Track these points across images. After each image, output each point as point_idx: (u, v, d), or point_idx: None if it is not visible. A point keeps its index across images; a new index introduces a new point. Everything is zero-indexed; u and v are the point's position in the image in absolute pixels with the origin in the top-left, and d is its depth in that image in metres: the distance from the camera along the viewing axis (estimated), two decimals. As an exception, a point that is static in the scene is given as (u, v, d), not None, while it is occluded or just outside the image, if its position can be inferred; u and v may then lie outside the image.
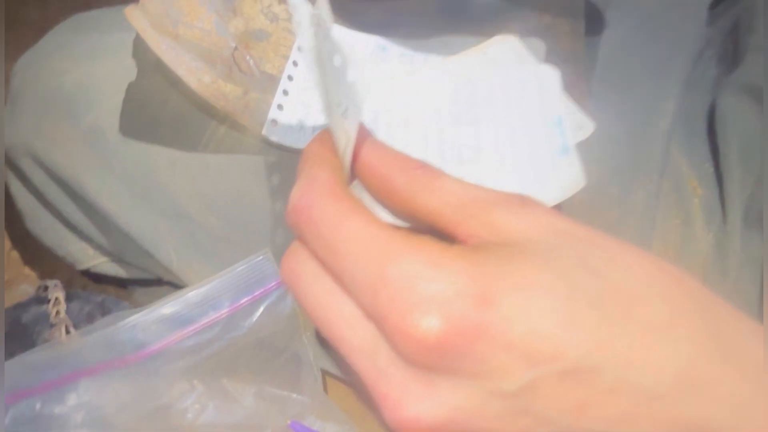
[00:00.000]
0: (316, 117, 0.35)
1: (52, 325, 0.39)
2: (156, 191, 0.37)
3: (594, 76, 0.36)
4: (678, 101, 0.36)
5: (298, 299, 0.21)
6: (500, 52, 0.36)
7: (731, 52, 0.38)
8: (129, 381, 0.35)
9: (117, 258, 0.43)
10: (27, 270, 0.51)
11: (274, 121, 0.35)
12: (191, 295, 0.35)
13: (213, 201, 0.36)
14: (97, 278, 0.47)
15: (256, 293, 0.36)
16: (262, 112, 0.35)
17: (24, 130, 0.39)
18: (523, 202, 0.20)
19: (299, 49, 0.37)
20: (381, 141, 0.21)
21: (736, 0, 0.41)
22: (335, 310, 0.20)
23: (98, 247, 0.43)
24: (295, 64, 0.36)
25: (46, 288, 0.43)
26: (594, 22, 0.37)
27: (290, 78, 0.36)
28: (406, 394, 0.18)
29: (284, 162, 0.36)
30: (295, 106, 0.35)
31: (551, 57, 0.33)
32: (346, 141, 0.20)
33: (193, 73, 0.32)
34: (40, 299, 0.42)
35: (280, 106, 0.35)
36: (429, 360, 0.18)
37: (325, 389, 0.38)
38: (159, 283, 0.44)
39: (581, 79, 0.34)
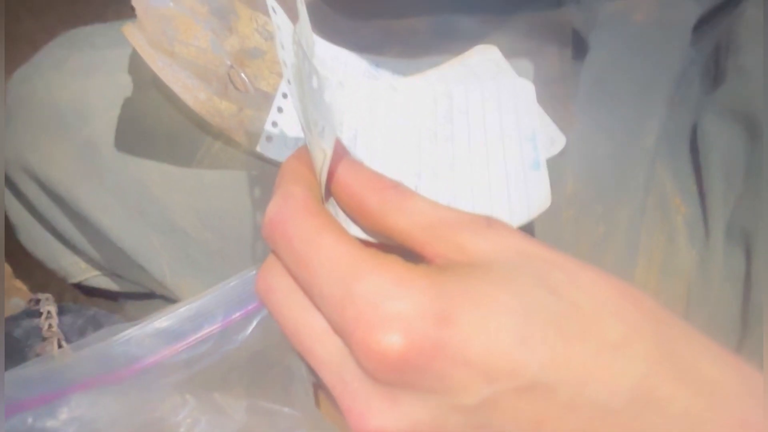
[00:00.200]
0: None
1: (44, 339, 0.39)
2: (150, 206, 0.37)
3: (580, 95, 0.37)
4: (662, 120, 0.37)
5: (271, 313, 0.22)
6: (481, 62, 0.37)
7: (713, 72, 0.40)
8: (121, 395, 0.35)
9: (109, 272, 0.43)
10: (18, 283, 0.51)
11: (268, 138, 0.35)
12: (184, 309, 0.35)
13: (206, 216, 0.36)
14: (89, 291, 0.47)
15: (249, 307, 0.36)
16: (257, 129, 0.35)
17: (19, 144, 0.40)
18: (489, 223, 0.20)
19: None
20: (356, 160, 0.22)
21: (718, 21, 0.42)
22: (306, 324, 0.20)
23: (90, 261, 0.43)
24: (289, 82, 0.37)
25: (37, 301, 0.43)
26: (579, 48, 0.38)
27: (285, 95, 0.36)
28: (369, 407, 0.19)
29: (266, 175, 0.36)
30: (290, 123, 0.36)
31: (538, 78, 0.33)
32: (322, 159, 0.21)
33: (189, 91, 0.33)
34: (32, 313, 0.42)
35: (274, 123, 0.36)
36: (391, 375, 0.18)
37: (317, 403, 0.39)
38: (150, 296, 0.44)
39: (568, 99, 0.35)
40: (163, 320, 0.35)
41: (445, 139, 0.33)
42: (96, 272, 0.44)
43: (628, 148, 0.36)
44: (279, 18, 0.22)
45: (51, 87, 0.39)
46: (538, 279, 0.19)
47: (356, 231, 0.22)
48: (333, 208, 0.22)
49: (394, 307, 0.18)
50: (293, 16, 0.22)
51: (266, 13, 0.37)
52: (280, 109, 0.36)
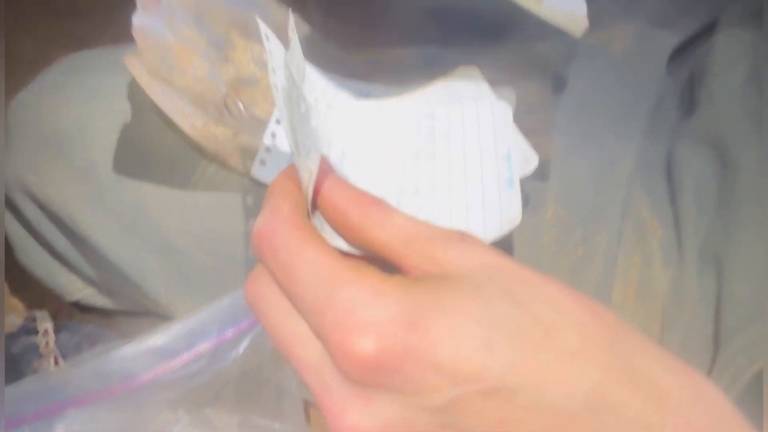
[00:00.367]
0: None
1: (41, 356, 0.40)
2: (146, 227, 0.38)
3: (560, 124, 0.38)
4: (639, 148, 0.38)
5: (259, 319, 0.23)
6: (463, 83, 0.38)
7: (688, 101, 0.41)
8: (117, 411, 0.36)
9: (105, 290, 0.44)
10: (14, 301, 0.52)
11: (262, 162, 0.37)
12: (179, 327, 0.36)
13: (202, 237, 0.38)
14: (84, 308, 0.48)
15: (242, 325, 0.37)
16: (251, 154, 0.37)
17: (19, 166, 0.41)
18: (462, 238, 0.22)
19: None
20: (341, 178, 0.24)
21: (692, 51, 0.44)
22: (290, 330, 0.22)
23: (87, 279, 0.44)
24: (279, 104, 0.38)
25: (34, 319, 0.44)
26: (559, 78, 0.40)
27: (278, 122, 0.38)
28: (345, 406, 0.21)
29: (260, 198, 0.38)
30: (282, 148, 0.38)
31: (520, 108, 0.35)
32: (308, 177, 0.22)
33: (187, 118, 0.34)
34: (29, 330, 0.43)
35: (267, 148, 0.37)
36: (365, 377, 0.20)
37: (308, 419, 0.40)
38: (144, 314, 0.45)
39: (548, 128, 0.36)
40: (158, 338, 0.36)
41: (427, 158, 0.35)
42: (92, 290, 0.45)
43: (606, 175, 0.38)
44: (272, 44, 0.24)
45: (51, 111, 0.40)
46: (504, 291, 0.21)
47: (340, 243, 0.24)
48: (319, 222, 0.24)
49: (368, 314, 0.20)
50: (286, 43, 0.23)
51: (261, 43, 0.39)
52: (273, 135, 0.38)
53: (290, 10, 0.24)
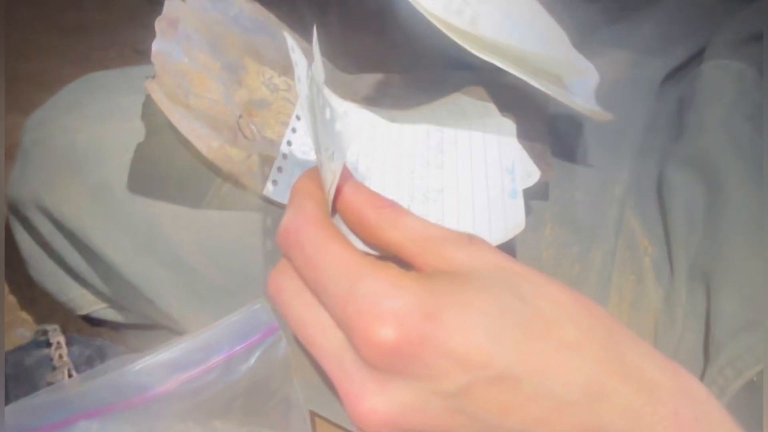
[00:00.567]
0: None
1: (54, 368, 0.41)
2: (159, 243, 0.40)
3: (557, 149, 0.40)
4: (631, 170, 0.40)
5: (280, 310, 0.25)
6: (469, 102, 0.40)
7: (677, 126, 0.43)
8: (131, 423, 0.37)
9: (117, 304, 0.46)
10: (24, 314, 0.53)
11: (274, 182, 0.38)
12: (192, 341, 0.37)
13: (214, 253, 0.39)
14: (94, 322, 0.49)
15: (253, 339, 0.39)
16: (264, 174, 0.38)
17: (34, 183, 0.42)
18: (471, 240, 0.24)
19: (297, 118, 0.41)
20: (359, 182, 0.26)
21: (681, 78, 0.46)
22: (312, 319, 0.24)
23: (98, 294, 0.45)
24: (293, 130, 0.40)
25: (44, 332, 0.45)
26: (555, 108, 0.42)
27: (289, 143, 0.40)
28: (364, 390, 0.22)
29: (272, 216, 0.39)
30: (293, 169, 0.39)
31: (520, 130, 0.37)
32: (331, 179, 0.24)
33: (203, 140, 0.36)
34: (40, 343, 0.44)
35: (279, 169, 0.39)
36: (384, 363, 0.22)
37: (314, 431, 0.41)
38: (153, 328, 0.46)
39: (546, 152, 0.38)
40: (172, 351, 0.37)
41: (436, 167, 0.37)
42: (103, 305, 0.46)
43: (600, 196, 0.39)
44: (296, 55, 0.26)
45: (67, 131, 0.42)
46: (509, 288, 0.23)
47: (357, 243, 0.26)
48: (338, 222, 0.26)
49: (389, 304, 0.21)
50: (309, 57, 0.25)
51: (272, 67, 0.41)
52: (284, 156, 0.39)
53: (314, 26, 0.26)
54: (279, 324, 0.38)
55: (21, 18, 0.73)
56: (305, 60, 0.26)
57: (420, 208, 0.28)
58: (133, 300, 0.42)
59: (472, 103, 0.40)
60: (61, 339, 0.42)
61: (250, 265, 0.39)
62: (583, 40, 0.47)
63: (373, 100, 0.42)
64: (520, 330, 0.22)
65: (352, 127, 0.26)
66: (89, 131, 0.41)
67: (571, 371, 0.22)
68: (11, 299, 0.53)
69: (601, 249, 0.39)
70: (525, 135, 0.37)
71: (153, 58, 0.35)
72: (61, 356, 0.41)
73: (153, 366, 0.37)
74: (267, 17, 0.41)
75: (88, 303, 0.46)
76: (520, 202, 0.34)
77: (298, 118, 0.40)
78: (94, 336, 0.47)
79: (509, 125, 0.37)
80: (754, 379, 0.33)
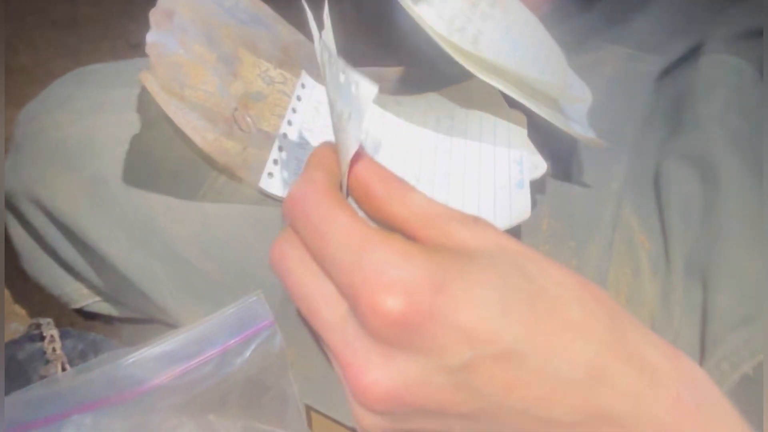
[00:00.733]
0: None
1: (47, 362, 0.41)
2: (154, 236, 0.39)
3: (554, 143, 0.40)
4: (628, 165, 0.40)
5: (282, 278, 0.25)
6: (478, 92, 0.40)
7: (674, 121, 0.44)
8: (124, 416, 0.37)
9: (111, 298, 0.45)
10: (17, 308, 0.52)
11: (270, 175, 0.38)
12: (187, 334, 0.37)
13: (209, 246, 0.39)
14: (87, 316, 0.49)
15: (248, 332, 0.38)
16: (259, 166, 0.38)
17: (27, 176, 0.42)
18: (476, 220, 0.24)
19: (293, 110, 0.40)
20: (370, 156, 0.25)
21: (678, 74, 0.46)
22: (315, 289, 0.24)
23: (93, 287, 0.45)
24: (289, 123, 0.40)
25: (38, 326, 0.44)
26: None
27: (285, 135, 0.39)
28: (367, 362, 0.22)
29: (267, 209, 0.39)
30: (289, 161, 0.39)
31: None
32: (348, 143, 0.24)
33: (199, 132, 0.36)
34: (34, 337, 0.44)
35: (275, 161, 0.39)
36: (389, 334, 0.21)
37: (310, 425, 0.41)
38: (147, 321, 0.46)
39: (543, 146, 0.38)
40: (166, 345, 0.37)
41: (444, 152, 0.36)
42: (97, 298, 0.46)
43: (597, 191, 0.39)
44: (312, 23, 0.26)
45: (60, 124, 0.41)
46: (516, 267, 0.23)
47: (362, 217, 0.25)
48: (349, 201, 0.26)
49: (397, 274, 0.21)
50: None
51: (268, 60, 0.40)
52: (280, 148, 0.39)
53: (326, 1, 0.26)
54: (274, 317, 0.37)
55: (13, 11, 0.72)
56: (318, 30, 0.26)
57: (425, 190, 0.28)
58: (128, 293, 0.42)
59: (480, 93, 0.39)
60: (55, 332, 0.42)
61: (246, 258, 0.39)
62: (581, 39, 0.47)
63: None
64: (527, 307, 0.22)
65: (368, 89, 0.26)
66: (82, 124, 0.41)
67: (575, 351, 0.22)
68: (5, 293, 0.52)
69: (598, 243, 0.39)
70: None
71: (148, 50, 0.35)
72: (54, 350, 0.41)
73: (147, 359, 0.36)
74: (262, 10, 0.41)
75: (81, 296, 0.46)
76: (527, 192, 0.34)
77: (294, 110, 0.40)
78: (88, 330, 0.47)
79: (520, 118, 0.37)
80: (750, 373, 0.33)
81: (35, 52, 0.66)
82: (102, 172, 0.40)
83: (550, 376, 0.21)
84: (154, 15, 0.35)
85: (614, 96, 0.43)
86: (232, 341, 0.38)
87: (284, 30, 0.42)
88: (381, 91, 0.36)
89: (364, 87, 0.22)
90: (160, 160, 0.40)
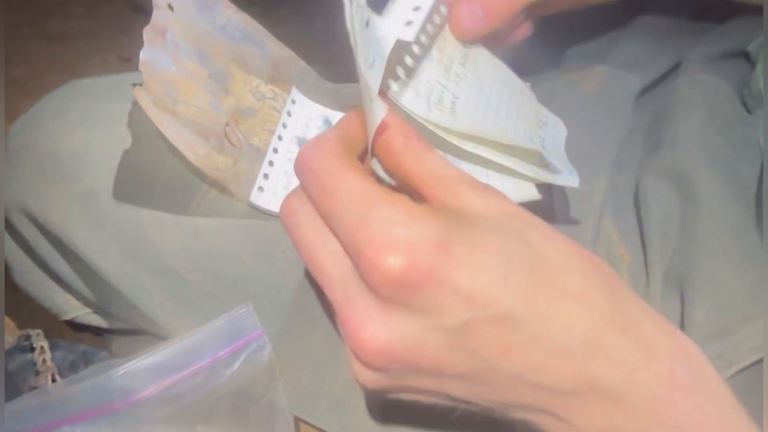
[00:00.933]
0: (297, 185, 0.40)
1: (37, 373, 0.41)
2: (145, 249, 0.40)
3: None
4: (608, 180, 0.41)
5: (290, 233, 0.26)
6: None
7: (653, 138, 0.45)
8: (115, 427, 0.37)
9: (101, 310, 0.46)
10: (6, 319, 0.52)
11: (260, 189, 0.39)
12: (177, 346, 0.38)
13: (200, 259, 0.39)
14: (77, 327, 0.49)
15: (238, 344, 0.39)
16: (250, 181, 0.39)
17: (19, 189, 0.42)
18: (486, 187, 0.25)
19: (284, 126, 0.41)
20: (395, 114, 0.26)
21: (657, 93, 0.48)
22: (321, 245, 0.24)
23: (83, 299, 0.46)
24: (279, 138, 0.41)
25: (27, 337, 0.45)
26: None
27: (275, 150, 0.40)
28: (366, 317, 0.23)
29: (257, 223, 0.40)
30: (279, 176, 0.40)
31: None
32: (372, 88, 0.24)
33: (190, 147, 0.36)
34: (23, 348, 0.44)
35: (265, 176, 0.39)
36: (390, 291, 0.22)
37: (298, 435, 0.41)
38: (136, 333, 0.46)
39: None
40: (156, 356, 0.38)
41: (458, 77, 0.34)
42: (87, 310, 0.46)
43: (578, 205, 0.40)
44: None
45: (53, 137, 0.42)
46: (518, 233, 0.23)
47: (377, 167, 0.27)
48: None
49: (401, 233, 0.22)
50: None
51: (259, 76, 0.41)
52: (271, 163, 0.40)
53: None
54: (263, 329, 0.38)
55: (7, 24, 0.73)
56: None
57: (436, 116, 0.29)
58: (118, 305, 0.43)
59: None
60: (45, 344, 0.43)
61: (236, 271, 0.39)
62: (562, 59, 0.49)
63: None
64: (527, 273, 0.22)
65: (390, 33, 0.27)
66: (75, 137, 0.41)
67: (573, 319, 0.22)
68: (-6, 304, 0.53)
69: (579, 256, 0.39)
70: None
71: (141, 67, 0.36)
72: (44, 361, 0.41)
73: (137, 371, 0.37)
74: (254, 27, 0.42)
75: (72, 308, 0.46)
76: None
77: (284, 125, 0.41)
78: (78, 341, 0.47)
79: (560, 125, 0.37)
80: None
81: (28, 65, 0.66)
82: (94, 185, 0.40)
83: (546, 343, 0.22)
84: (147, 32, 0.36)
85: (595, 113, 0.44)
86: (222, 353, 0.39)
87: (275, 47, 0.43)
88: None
89: (386, 32, 0.23)
90: (152, 174, 0.40)
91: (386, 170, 0.27)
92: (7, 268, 0.47)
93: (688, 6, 0.48)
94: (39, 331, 0.44)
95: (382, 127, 0.25)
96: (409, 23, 0.26)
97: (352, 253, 0.23)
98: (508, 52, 0.39)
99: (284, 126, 0.41)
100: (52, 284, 0.45)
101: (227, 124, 0.39)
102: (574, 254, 0.24)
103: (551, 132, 0.36)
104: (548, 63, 0.48)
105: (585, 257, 0.24)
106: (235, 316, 0.39)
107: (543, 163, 0.32)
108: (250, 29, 0.42)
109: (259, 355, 0.39)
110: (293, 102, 0.42)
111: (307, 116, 0.42)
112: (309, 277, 0.39)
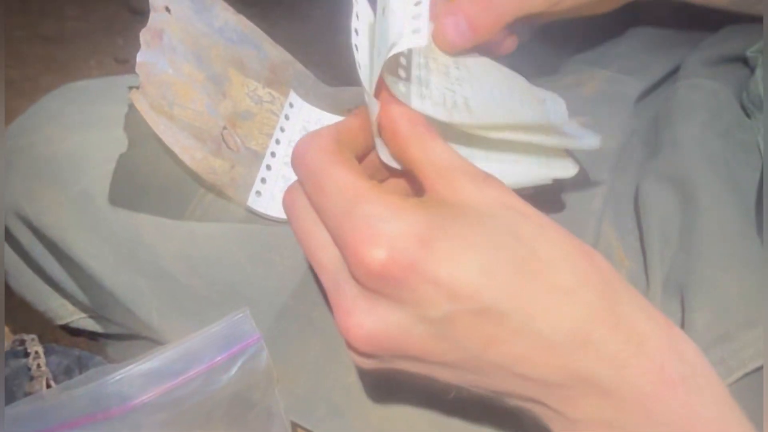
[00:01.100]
0: None
1: (32, 378, 0.41)
2: (141, 253, 0.40)
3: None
4: (608, 185, 0.41)
5: (291, 222, 0.27)
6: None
7: (652, 142, 0.45)
8: (108, 433, 0.37)
9: (96, 314, 0.45)
10: (1, 324, 0.52)
11: (258, 193, 0.39)
12: (173, 351, 0.37)
13: (196, 263, 0.39)
14: (72, 332, 0.49)
15: (235, 349, 0.39)
16: (247, 185, 0.38)
17: (14, 192, 0.42)
18: (487, 179, 0.25)
19: (281, 129, 0.41)
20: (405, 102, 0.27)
21: (656, 97, 0.47)
22: (315, 236, 0.25)
23: (78, 304, 0.45)
24: (277, 141, 0.40)
25: (22, 342, 0.44)
26: None
27: (273, 154, 0.40)
28: (354, 306, 0.23)
29: (255, 227, 0.39)
30: (277, 180, 0.39)
31: None
32: (378, 72, 0.25)
33: (187, 151, 0.36)
34: (17, 353, 0.44)
35: (263, 180, 0.39)
36: (373, 283, 0.23)
37: (295, 441, 0.41)
38: (132, 338, 0.46)
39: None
40: (152, 361, 0.37)
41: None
42: (83, 314, 0.46)
43: (578, 209, 0.40)
44: None
45: (48, 140, 0.41)
46: (509, 226, 0.23)
47: (383, 151, 0.27)
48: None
49: (383, 227, 0.22)
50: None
51: (257, 79, 0.41)
52: (268, 167, 0.40)
53: None
54: (261, 334, 0.38)
55: (2, 25, 0.72)
56: None
57: (441, 85, 0.29)
58: (114, 310, 0.42)
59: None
60: (39, 349, 0.42)
61: (233, 276, 0.39)
62: (561, 63, 0.48)
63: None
64: (512, 268, 0.22)
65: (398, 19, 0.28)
66: (70, 141, 0.41)
67: (559, 314, 0.22)
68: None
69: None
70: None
71: (138, 69, 0.36)
72: (39, 366, 0.41)
73: (133, 376, 0.37)
74: (252, 30, 0.42)
75: (67, 313, 0.46)
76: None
77: (282, 129, 0.41)
78: (73, 346, 0.47)
79: (557, 98, 0.37)
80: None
81: (24, 67, 0.66)
82: (90, 188, 0.40)
83: (530, 336, 0.22)
84: (144, 35, 0.36)
85: (594, 116, 0.44)
86: (219, 358, 0.39)
87: (273, 50, 0.42)
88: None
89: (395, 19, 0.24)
90: (148, 177, 0.40)
91: (395, 158, 0.27)
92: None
93: (685, 13, 0.48)
94: (33, 336, 0.44)
95: (390, 116, 0.26)
96: (416, 31, 0.27)
97: (339, 245, 0.24)
98: (506, 57, 0.38)
99: (282, 130, 0.41)
100: (47, 288, 0.45)
101: (224, 128, 0.39)
102: (569, 248, 0.24)
103: (552, 107, 0.36)
104: (546, 67, 0.48)
105: (580, 251, 0.24)
106: (232, 321, 0.38)
107: (563, 133, 0.33)
108: (248, 32, 0.41)
109: (256, 361, 0.39)
110: (291, 106, 0.42)
111: (305, 120, 0.42)
112: (307, 281, 0.38)
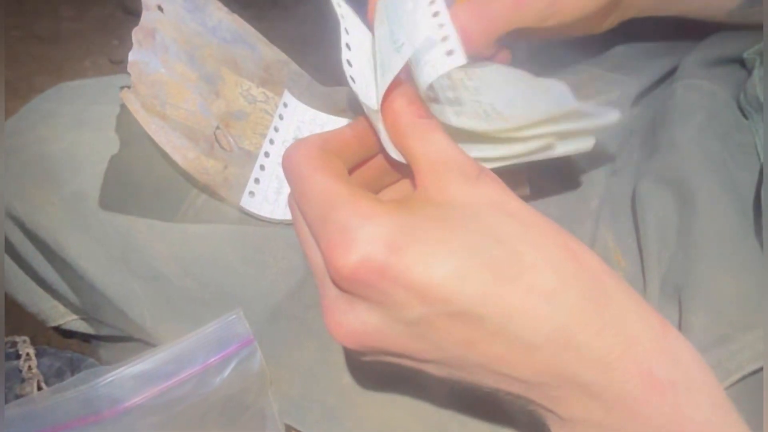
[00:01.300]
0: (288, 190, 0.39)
1: (23, 381, 0.41)
2: (134, 254, 0.39)
3: (531, 164, 0.41)
4: (605, 186, 0.41)
5: (293, 223, 0.28)
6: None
7: (650, 142, 0.44)
8: (101, 436, 0.36)
9: (88, 316, 0.45)
10: (-8, 326, 0.51)
11: (251, 193, 0.38)
12: (166, 353, 0.37)
13: (189, 265, 0.39)
14: (64, 334, 0.48)
15: (228, 350, 0.38)
16: (240, 185, 0.38)
17: (6, 192, 0.41)
18: (479, 175, 0.25)
19: (275, 129, 0.41)
20: (413, 89, 0.27)
21: (653, 98, 0.47)
22: (306, 238, 0.26)
23: (70, 305, 0.45)
24: (271, 141, 0.40)
25: (14, 344, 0.44)
26: None
27: (267, 154, 0.40)
28: (335, 306, 0.24)
29: (248, 228, 0.39)
30: (271, 180, 0.39)
31: None
32: (395, 70, 0.25)
33: (179, 151, 0.36)
34: (8, 355, 0.43)
35: (257, 180, 0.39)
36: (346, 286, 0.23)
37: (289, 443, 0.41)
38: (124, 340, 0.46)
39: (521, 169, 0.39)
40: (144, 363, 0.37)
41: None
42: (75, 316, 0.45)
43: (575, 210, 0.40)
44: None
45: (41, 140, 0.41)
46: (491, 229, 0.23)
47: (386, 140, 0.27)
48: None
49: (355, 233, 0.23)
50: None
51: (250, 79, 0.41)
52: (262, 167, 0.39)
53: None
54: (254, 335, 0.37)
55: (2, 26, 0.72)
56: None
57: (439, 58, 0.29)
58: (106, 312, 0.42)
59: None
60: (31, 351, 0.42)
61: (226, 277, 0.39)
62: (559, 63, 0.48)
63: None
64: (488, 271, 0.22)
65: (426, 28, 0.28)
66: (63, 141, 0.41)
67: (538, 317, 0.22)
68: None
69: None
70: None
71: (129, 68, 0.35)
72: (30, 368, 0.41)
73: (125, 378, 0.36)
74: (245, 29, 0.41)
75: (59, 315, 0.45)
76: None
77: (276, 129, 0.41)
78: (65, 348, 0.46)
79: (559, 83, 0.37)
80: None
81: (18, 67, 0.65)
82: (82, 188, 0.40)
83: (509, 338, 0.22)
84: (137, 34, 0.36)
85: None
86: (212, 360, 0.38)
87: (267, 49, 0.42)
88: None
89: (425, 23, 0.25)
90: (141, 178, 0.40)
91: (397, 148, 0.27)
92: (-6, 274, 0.46)
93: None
94: (25, 338, 0.44)
95: (393, 105, 0.26)
96: (450, 53, 0.27)
97: (319, 248, 0.25)
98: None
99: (276, 130, 0.40)
100: (39, 290, 0.45)
101: (217, 128, 0.38)
102: (555, 249, 0.23)
103: (558, 93, 0.36)
104: (545, 68, 0.48)
105: (567, 252, 0.24)
106: (225, 322, 0.38)
107: (586, 114, 0.33)
108: (242, 31, 0.41)
109: (250, 363, 0.39)
110: (285, 105, 0.41)
111: (299, 120, 0.42)
112: (301, 282, 0.38)
